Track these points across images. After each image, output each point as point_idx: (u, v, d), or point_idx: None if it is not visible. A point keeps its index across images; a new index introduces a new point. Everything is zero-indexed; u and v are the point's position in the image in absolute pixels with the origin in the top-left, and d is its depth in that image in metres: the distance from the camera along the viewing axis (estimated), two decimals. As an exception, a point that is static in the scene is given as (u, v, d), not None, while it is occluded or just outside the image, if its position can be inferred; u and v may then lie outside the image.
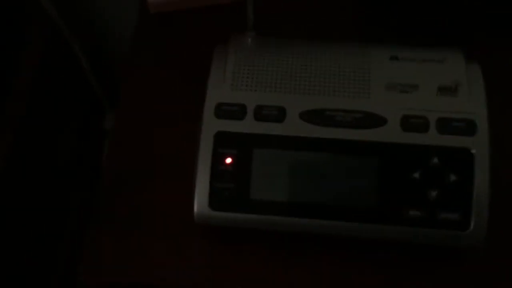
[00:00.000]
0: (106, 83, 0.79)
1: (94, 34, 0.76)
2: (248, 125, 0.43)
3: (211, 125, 0.43)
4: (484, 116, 0.42)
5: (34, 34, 0.62)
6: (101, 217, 0.48)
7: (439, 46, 0.45)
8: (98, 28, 0.76)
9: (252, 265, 0.45)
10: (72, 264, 0.65)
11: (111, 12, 0.73)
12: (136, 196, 0.48)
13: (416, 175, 0.41)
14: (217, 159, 0.43)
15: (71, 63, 0.72)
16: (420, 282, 0.44)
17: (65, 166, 0.70)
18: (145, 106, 0.53)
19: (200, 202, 0.43)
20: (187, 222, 0.44)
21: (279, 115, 0.43)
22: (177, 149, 0.49)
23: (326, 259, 0.45)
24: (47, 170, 0.65)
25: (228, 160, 0.43)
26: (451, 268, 0.44)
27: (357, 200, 0.42)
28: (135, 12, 0.59)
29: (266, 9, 0.54)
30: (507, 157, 0.45)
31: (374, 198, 0.41)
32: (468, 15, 0.55)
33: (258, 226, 0.43)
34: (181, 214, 0.45)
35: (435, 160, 0.41)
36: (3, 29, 0.60)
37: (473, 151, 0.41)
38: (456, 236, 0.41)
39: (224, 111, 0.43)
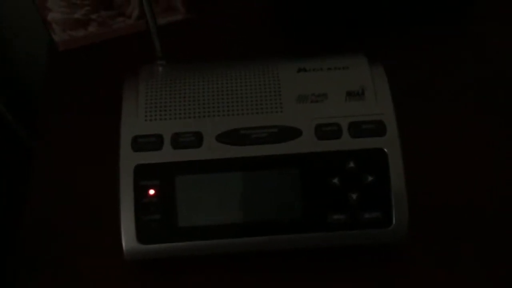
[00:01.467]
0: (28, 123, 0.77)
1: (8, 76, 0.74)
2: (166, 155, 0.43)
3: (129, 159, 0.43)
4: (392, 115, 0.43)
5: None
6: (22, 259, 0.46)
7: (343, 53, 0.47)
8: (10, 70, 0.74)
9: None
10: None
11: (23, 53, 0.72)
12: (63, 235, 0.47)
13: (336, 180, 0.42)
14: (139, 192, 0.42)
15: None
16: (353, 283, 0.45)
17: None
18: (64, 147, 0.52)
19: (128, 238, 0.42)
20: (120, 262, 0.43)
21: (196, 140, 0.43)
22: (101, 187, 0.48)
23: (266, 275, 0.45)
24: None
25: (152, 192, 0.42)
26: (381, 268, 0.45)
27: (283, 213, 0.42)
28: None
29: (175, 36, 0.54)
30: (419, 153, 0.47)
31: (299, 208, 0.42)
32: (365, 18, 0.58)
33: (190, 253, 0.43)
34: (113, 255, 0.44)
35: (351, 163, 0.42)
36: None
37: (386, 150, 0.42)
38: (380, 234, 0.42)
39: (141, 143, 0.43)
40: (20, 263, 0.46)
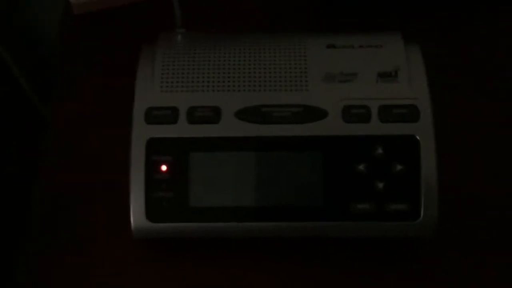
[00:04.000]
0: (43, 91, 0.75)
1: (22, 40, 0.72)
2: (181, 129, 0.40)
3: (142, 132, 0.40)
4: (427, 100, 0.40)
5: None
6: (36, 239, 0.44)
7: (377, 31, 0.43)
8: (26, 33, 0.72)
9: (202, 276, 0.42)
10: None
11: (38, 15, 0.69)
12: (74, 210, 0.45)
13: (361, 167, 0.39)
14: (151, 167, 0.40)
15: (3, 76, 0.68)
16: (374, 276, 0.42)
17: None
18: (77, 111, 0.49)
19: (136, 215, 0.40)
20: (127, 238, 0.41)
21: (214, 115, 0.40)
22: (113, 156, 0.45)
23: (279, 263, 0.42)
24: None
25: (164, 168, 0.40)
26: (403, 261, 0.42)
27: (302, 199, 0.39)
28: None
29: (196, 4, 0.51)
30: (452, 143, 0.43)
31: (320, 194, 0.39)
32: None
33: (201, 235, 0.41)
34: (121, 230, 0.42)
35: (380, 150, 0.39)
36: None
37: (418, 137, 0.39)
38: (406, 227, 0.39)
39: (155, 116, 0.40)
40: (31, 236, 0.44)
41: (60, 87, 0.52)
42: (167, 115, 0.40)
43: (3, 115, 0.67)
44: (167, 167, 0.40)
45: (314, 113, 0.40)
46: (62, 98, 0.51)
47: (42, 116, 0.75)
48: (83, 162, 0.47)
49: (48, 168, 0.47)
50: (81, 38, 0.54)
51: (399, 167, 0.39)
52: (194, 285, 0.42)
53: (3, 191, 0.65)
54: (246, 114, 0.40)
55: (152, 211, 0.40)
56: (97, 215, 0.44)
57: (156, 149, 0.40)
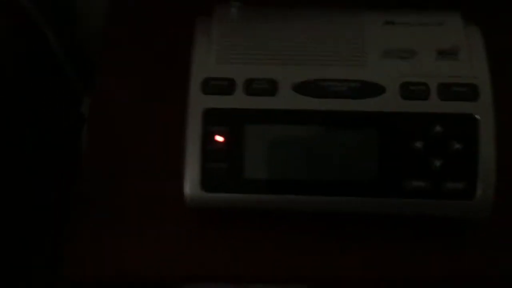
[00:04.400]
0: (80, 65, 0.75)
1: (64, 14, 0.72)
2: (238, 100, 0.40)
3: (198, 102, 0.40)
4: (487, 79, 0.39)
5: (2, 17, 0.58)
6: (83, 206, 0.44)
7: (436, 9, 0.43)
8: (68, 7, 0.72)
9: (251, 248, 0.42)
10: (50, 261, 0.62)
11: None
12: (121, 183, 0.45)
13: (418, 144, 0.39)
14: (207, 137, 0.40)
15: (41, 47, 0.68)
16: (426, 255, 0.42)
17: (42, 156, 0.66)
18: (123, 88, 0.49)
19: (191, 184, 0.40)
20: (177, 207, 0.42)
21: (271, 88, 0.40)
22: (162, 131, 0.46)
23: (328, 237, 0.43)
24: (21, 158, 0.61)
25: (219, 138, 0.40)
26: (457, 240, 0.42)
27: (357, 174, 0.39)
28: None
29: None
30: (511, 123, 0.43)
31: (375, 170, 0.39)
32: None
33: (254, 206, 0.41)
34: (170, 199, 0.42)
35: (438, 128, 0.39)
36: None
37: (477, 116, 0.39)
38: (462, 206, 0.39)
39: (212, 86, 0.41)
40: (79, 212, 0.44)
41: (106, 60, 0.52)
42: (224, 86, 0.40)
43: (42, 92, 0.68)
44: (223, 137, 0.40)
45: (372, 89, 0.40)
46: (108, 72, 0.51)
47: (80, 92, 0.76)
48: (128, 136, 0.47)
49: (94, 142, 0.47)
50: (131, 11, 0.54)
51: (456, 145, 0.39)
52: (243, 257, 0.42)
53: (48, 169, 0.66)
54: (303, 88, 0.40)
55: (206, 181, 0.40)
56: (145, 187, 0.45)
57: (212, 119, 0.40)
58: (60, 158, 0.70)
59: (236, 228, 0.43)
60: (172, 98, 0.42)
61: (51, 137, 0.69)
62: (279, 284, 0.44)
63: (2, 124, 0.55)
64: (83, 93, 0.75)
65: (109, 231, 0.43)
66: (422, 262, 0.42)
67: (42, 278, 0.61)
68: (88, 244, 0.43)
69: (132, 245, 0.43)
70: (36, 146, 0.65)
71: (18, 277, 0.58)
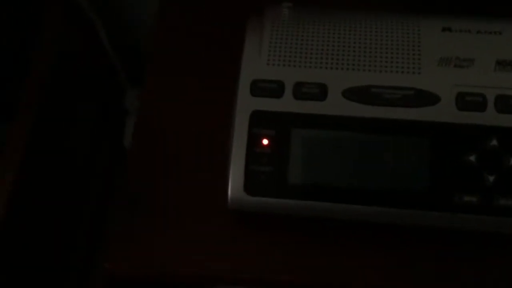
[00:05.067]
0: (126, 58, 0.76)
1: (113, 7, 0.73)
2: (286, 104, 0.40)
3: (246, 104, 0.40)
4: (548, 93, 0.38)
5: (53, 8, 0.59)
6: (128, 203, 0.45)
7: (496, 16, 0.41)
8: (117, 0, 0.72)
9: (292, 254, 0.42)
10: (90, 252, 0.63)
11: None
12: (165, 181, 0.45)
13: (472, 158, 0.37)
14: (253, 140, 0.40)
15: (90, 38, 0.69)
16: (474, 271, 0.40)
17: (84, 148, 0.67)
18: (173, 84, 0.49)
19: (234, 186, 0.40)
20: (219, 208, 0.41)
21: (320, 92, 0.39)
22: (209, 130, 0.46)
23: (372, 249, 0.42)
24: (66, 151, 0.62)
25: (265, 142, 0.40)
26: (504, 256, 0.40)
27: (406, 185, 0.38)
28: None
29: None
30: None
31: (425, 182, 0.38)
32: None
33: (296, 213, 0.40)
34: (212, 200, 0.42)
35: (494, 141, 0.37)
36: (22, 5, 0.57)
37: (536, 131, 0.37)
38: (515, 224, 0.37)
39: (260, 88, 0.40)
40: (123, 208, 0.44)
41: (156, 58, 0.51)
42: (273, 89, 0.40)
43: (87, 82, 0.68)
44: (269, 141, 0.39)
45: (426, 98, 0.38)
46: (157, 71, 0.50)
47: (124, 85, 0.76)
48: (174, 135, 0.47)
49: (140, 138, 0.47)
50: (181, 9, 0.54)
51: (512, 161, 0.37)
52: (283, 263, 0.42)
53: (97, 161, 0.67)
54: (354, 94, 0.39)
55: (250, 184, 0.39)
56: (190, 187, 0.44)
57: (260, 122, 0.40)
58: (101, 151, 0.71)
59: (278, 233, 0.43)
60: (221, 98, 0.42)
61: (93, 129, 0.70)
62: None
63: (46, 115, 0.55)
64: (128, 87, 0.76)
65: (151, 229, 0.43)
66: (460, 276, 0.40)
67: (79, 269, 0.62)
68: (130, 241, 0.43)
69: (173, 244, 0.43)
70: (78, 137, 0.66)
71: (57, 267, 0.60)
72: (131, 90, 0.77)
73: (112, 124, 0.74)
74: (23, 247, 0.52)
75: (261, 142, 0.40)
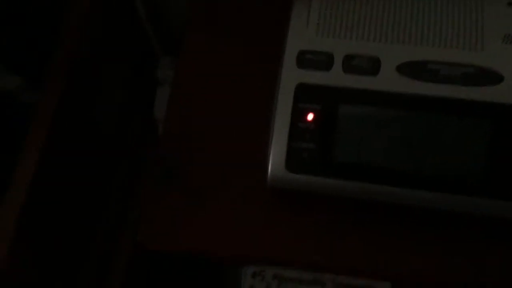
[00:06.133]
0: (160, 27, 0.74)
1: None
2: (335, 77, 0.37)
3: (292, 76, 0.38)
4: None
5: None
6: (162, 176, 0.43)
7: None
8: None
9: (333, 237, 0.40)
10: (118, 224, 0.62)
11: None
12: (200, 155, 0.43)
13: (536, 143, 0.35)
14: (297, 115, 0.37)
15: (123, 4, 0.67)
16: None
17: (114, 117, 0.65)
18: (212, 53, 0.47)
19: (275, 163, 0.38)
20: (256, 185, 0.40)
21: (373, 66, 0.37)
22: (249, 103, 0.43)
23: (422, 234, 0.39)
24: (96, 120, 0.61)
25: (310, 117, 0.37)
26: None
27: (460, 169, 0.36)
28: None
29: None
30: None
31: (482, 167, 0.35)
32: None
33: (338, 193, 0.38)
34: (250, 176, 0.40)
35: (561, 126, 0.34)
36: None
37: None
38: None
39: (308, 60, 0.38)
40: (157, 181, 0.43)
41: (194, 25, 0.49)
42: (321, 61, 0.37)
43: (121, 49, 0.67)
44: (314, 116, 0.37)
45: (488, 76, 0.35)
46: (195, 37, 0.48)
47: (157, 54, 0.74)
48: (211, 107, 0.45)
49: (175, 109, 0.45)
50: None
51: None
52: (323, 245, 0.40)
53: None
54: (409, 69, 0.36)
55: (291, 161, 0.37)
56: (226, 162, 0.42)
57: (305, 95, 0.37)
58: (131, 121, 0.69)
59: (316, 213, 0.41)
60: (264, 70, 0.39)
61: (123, 98, 0.68)
62: (359, 278, 0.41)
63: (76, 82, 0.54)
64: (160, 56, 0.74)
65: (184, 205, 0.41)
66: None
67: (106, 241, 0.61)
68: (162, 216, 0.41)
69: (207, 222, 0.41)
70: (108, 106, 0.64)
71: (88, 235, 0.59)
72: (164, 59, 0.75)
73: (143, 94, 0.73)
74: (52, 210, 0.52)
75: (305, 117, 0.37)
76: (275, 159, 0.38)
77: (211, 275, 0.67)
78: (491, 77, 0.35)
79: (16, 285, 0.46)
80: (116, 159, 0.64)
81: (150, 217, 0.41)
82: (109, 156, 0.63)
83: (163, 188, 0.42)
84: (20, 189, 0.45)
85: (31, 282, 0.49)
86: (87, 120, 0.57)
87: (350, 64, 0.37)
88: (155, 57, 0.75)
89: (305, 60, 0.37)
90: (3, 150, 0.49)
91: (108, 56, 0.62)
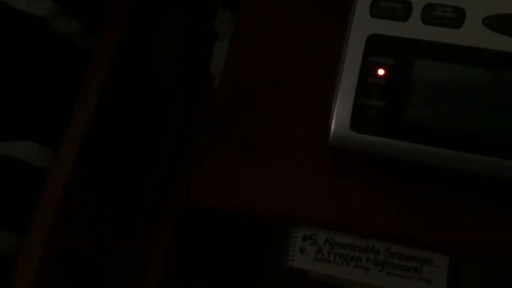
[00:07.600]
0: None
1: None
2: (412, 29, 0.34)
3: (363, 26, 0.34)
4: None
5: None
6: (216, 132, 0.41)
7: None
8: None
9: (391, 202, 0.37)
10: (168, 178, 0.61)
11: None
12: (257, 110, 0.41)
13: None
14: (367, 69, 0.34)
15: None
16: None
17: (170, 68, 0.64)
18: (273, 3, 0.44)
19: (339, 121, 0.35)
20: (316, 144, 0.37)
21: (456, 18, 0.33)
22: (312, 58, 0.40)
23: (494, 207, 0.36)
24: (151, 69, 0.59)
25: (381, 72, 0.34)
26: None
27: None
28: None
29: None
30: None
31: None
32: None
33: (406, 156, 0.35)
34: (309, 134, 0.38)
35: None
36: None
37: None
38: None
39: (382, 8, 0.34)
40: (211, 137, 0.41)
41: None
42: (397, 9, 0.34)
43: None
44: (386, 71, 0.34)
45: None
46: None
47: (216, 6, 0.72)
48: (273, 59, 0.42)
49: (233, 63, 0.43)
50: None
51: None
52: (378, 211, 0.37)
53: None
54: (497, 22, 0.32)
55: (357, 120, 0.35)
56: (285, 118, 0.40)
57: (377, 48, 0.34)
58: (187, 74, 0.68)
59: (378, 178, 0.38)
60: (331, 20, 0.36)
61: (180, 50, 0.67)
62: (416, 250, 0.38)
63: (133, 28, 0.52)
64: (220, 8, 0.71)
65: (239, 161, 0.39)
66: None
67: (155, 197, 0.60)
68: (216, 171, 0.39)
69: (260, 178, 0.39)
70: (164, 56, 0.63)
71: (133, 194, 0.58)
72: (223, 13, 0.72)
73: (200, 47, 0.71)
74: (105, 162, 0.51)
75: (376, 72, 0.34)
76: (339, 117, 0.35)
77: (261, 235, 0.66)
78: None
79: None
80: (170, 111, 0.63)
81: (203, 173, 0.40)
82: (163, 108, 0.62)
83: (218, 143, 0.41)
84: (74, 139, 0.45)
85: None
86: (144, 69, 0.56)
87: (431, 14, 0.33)
88: (215, 9, 0.73)
89: (379, 8, 0.34)
90: (59, 97, 0.49)
91: (167, 4, 0.61)
